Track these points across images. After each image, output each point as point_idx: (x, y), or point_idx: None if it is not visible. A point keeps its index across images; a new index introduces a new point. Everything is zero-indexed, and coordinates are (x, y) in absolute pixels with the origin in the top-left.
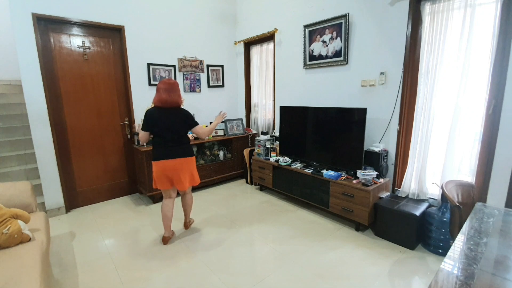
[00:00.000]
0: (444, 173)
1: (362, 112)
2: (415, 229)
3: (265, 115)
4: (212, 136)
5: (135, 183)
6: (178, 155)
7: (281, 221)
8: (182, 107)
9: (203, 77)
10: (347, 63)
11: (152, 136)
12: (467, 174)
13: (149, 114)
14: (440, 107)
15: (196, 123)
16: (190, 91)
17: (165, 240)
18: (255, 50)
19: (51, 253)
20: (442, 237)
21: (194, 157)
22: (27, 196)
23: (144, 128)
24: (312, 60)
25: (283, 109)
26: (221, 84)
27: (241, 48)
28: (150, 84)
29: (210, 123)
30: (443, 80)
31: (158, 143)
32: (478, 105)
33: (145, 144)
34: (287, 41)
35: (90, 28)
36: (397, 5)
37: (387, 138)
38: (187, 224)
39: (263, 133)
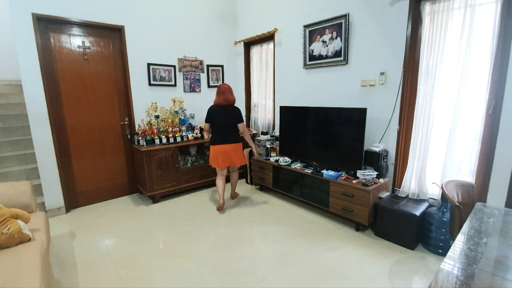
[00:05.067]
0: (444, 173)
1: (362, 112)
2: (415, 229)
3: (265, 115)
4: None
5: (135, 183)
6: (229, 141)
7: (281, 221)
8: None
9: (203, 77)
10: (347, 63)
11: (211, 127)
12: (467, 174)
13: (211, 111)
14: (440, 107)
15: (242, 120)
16: (190, 91)
17: (219, 206)
18: (255, 50)
19: (51, 253)
20: (442, 237)
21: (241, 144)
22: (27, 196)
23: (207, 121)
24: (312, 60)
25: (283, 109)
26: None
27: (241, 48)
28: (150, 84)
29: None
30: (443, 80)
31: (215, 132)
32: (478, 105)
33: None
34: (287, 41)
35: (90, 28)
36: (397, 5)
37: (387, 138)
38: (232, 195)
39: (263, 133)
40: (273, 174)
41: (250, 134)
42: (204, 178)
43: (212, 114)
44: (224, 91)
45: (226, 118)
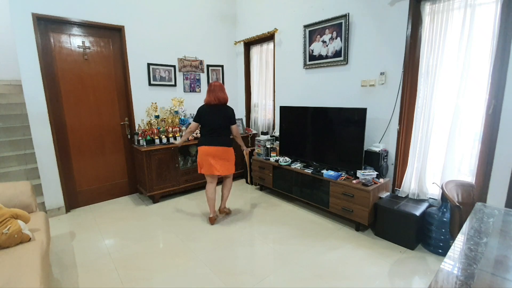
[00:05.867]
0: (444, 173)
1: (362, 112)
2: (415, 229)
3: (265, 115)
4: None
5: (135, 183)
6: (218, 143)
7: (281, 221)
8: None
9: (203, 77)
10: (347, 63)
11: (200, 127)
12: (467, 174)
13: (201, 110)
14: (440, 107)
15: (235, 122)
16: (190, 91)
17: (212, 220)
18: (255, 50)
19: (51, 253)
20: (442, 237)
21: (231, 148)
22: (27, 196)
23: (195, 120)
24: (312, 60)
25: (283, 109)
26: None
27: (241, 48)
28: (150, 84)
29: None
30: (443, 80)
31: (204, 133)
32: (478, 105)
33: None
34: (287, 41)
35: (90, 28)
36: (397, 5)
37: (387, 138)
38: (221, 210)
39: (263, 133)
40: (273, 174)
41: (250, 134)
42: (204, 178)
43: (202, 114)
44: (215, 89)
45: (217, 119)
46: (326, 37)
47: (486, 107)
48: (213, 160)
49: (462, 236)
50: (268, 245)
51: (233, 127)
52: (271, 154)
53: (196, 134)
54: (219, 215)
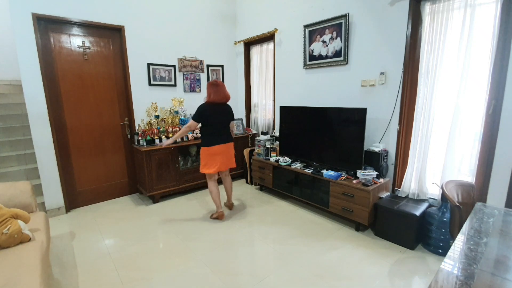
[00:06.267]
0: (444, 173)
1: (362, 112)
2: (415, 229)
3: (265, 115)
4: None
5: (135, 183)
6: (227, 140)
7: (281, 221)
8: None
9: (203, 77)
10: (347, 63)
11: (201, 126)
12: (467, 174)
13: (203, 109)
14: (440, 107)
15: (233, 119)
16: (190, 91)
17: (221, 216)
18: (255, 50)
19: (51, 253)
20: (442, 237)
21: (233, 143)
22: (27, 196)
23: (197, 120)
24: (312, 60)
25: (283, 109)
26: None
27: (241, 48)
28: (150, 84)
29: None
30: (443, 80)
31: (211, 132)
32: (478, 105)
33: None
34: (287, 41)
35: (90, 28)
36: (397, 5)
37: (387, 138)
38: (230, 206)
39: (263, 133)
40: (273, 174)
41: (250, 134)
42: (204, 178)
43: (206, 113)
44: (222, 88)
45: (222, 117)
46: (326, 37)
47: (486, 107)
48: (221, 158)
49: (462, 236)
50: (268, 245)
51: (233, 122)
52: (271, 154)
53: (196, 134)
54: (231, 210)
